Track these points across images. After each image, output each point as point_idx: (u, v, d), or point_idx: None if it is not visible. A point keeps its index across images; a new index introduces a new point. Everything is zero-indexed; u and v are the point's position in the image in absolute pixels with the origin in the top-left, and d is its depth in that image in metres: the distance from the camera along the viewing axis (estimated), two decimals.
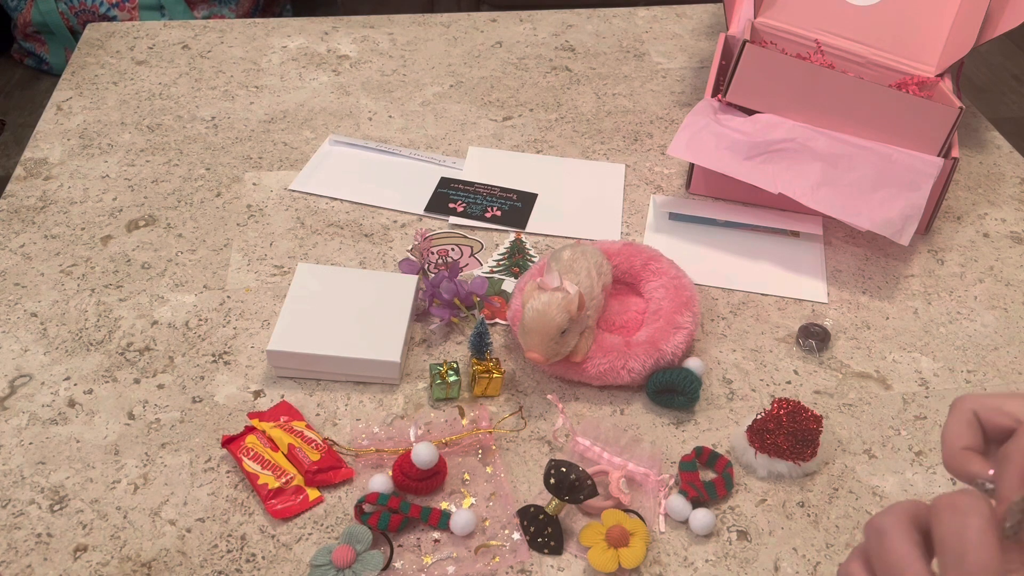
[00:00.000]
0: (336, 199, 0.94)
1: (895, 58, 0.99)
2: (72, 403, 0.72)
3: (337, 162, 0.98)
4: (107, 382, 0.74)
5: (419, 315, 0.80)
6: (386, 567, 0.61)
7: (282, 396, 0.73)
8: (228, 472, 0.67)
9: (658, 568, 0.62)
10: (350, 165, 0.98)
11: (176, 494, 0.66)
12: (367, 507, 0.64)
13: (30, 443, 0.69)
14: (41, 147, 0.99)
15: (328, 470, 0.67)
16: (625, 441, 0.69)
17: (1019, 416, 0.39)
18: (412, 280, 0.79)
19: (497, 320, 0.80)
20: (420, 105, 1.08)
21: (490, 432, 0.70)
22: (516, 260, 0.87)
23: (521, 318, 0.70)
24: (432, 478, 0.65)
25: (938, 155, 0.87)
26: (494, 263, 0.87)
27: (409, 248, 0.87)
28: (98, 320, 0.79)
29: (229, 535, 0.63)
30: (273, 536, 0.63)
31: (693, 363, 0.74)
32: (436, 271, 0.85)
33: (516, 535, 0.64)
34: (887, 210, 0.84)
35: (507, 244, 0.89)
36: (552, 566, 0.62)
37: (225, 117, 1.05)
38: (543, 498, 0.65)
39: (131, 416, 0.71)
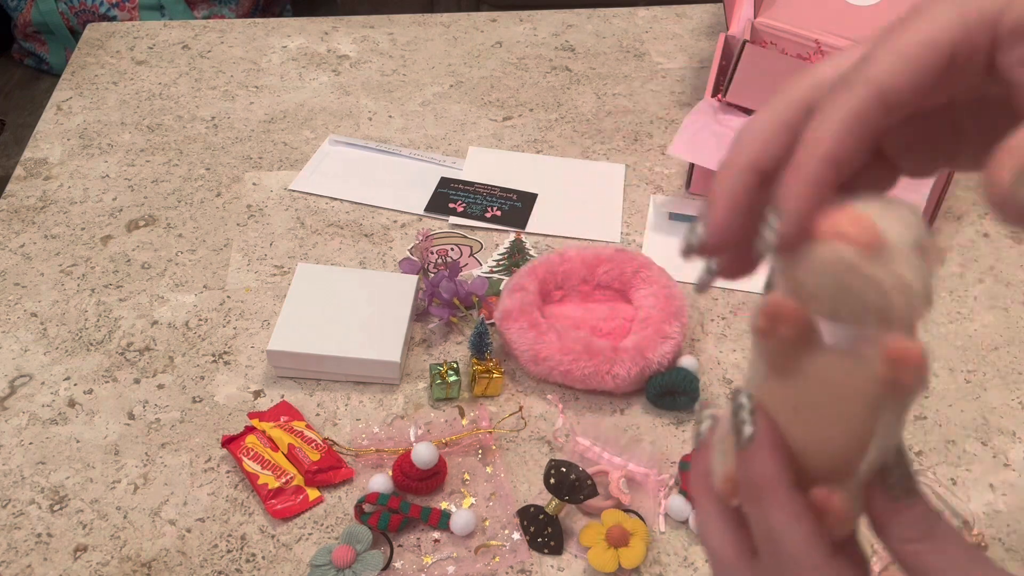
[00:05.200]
0: (336, 199, 0.94)
1: None
2: (72, 403, 0.72)
3: (337, 162, 0.98)
4: (107, 382, 0.74)
5: (419, 315, 0.80)
6: (386, 567, 0.61)
7: (282, 396, 0.73)
8: (228, 472, 0.67)
9: (658, 568, 0.62)
10: (350, 165, 0.98)
11: (176, 494, 0.66)
12: (367, 507, 0.64)
13: (30, 443, 0.69)
14: (41, 147, 0.99)
15: (328, 470, 0.67)
16: (625, 441, 0.69)
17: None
18: (412, 280, 0.79)
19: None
20: (420, 105, 1.08)
21: (490, 432, 0.70)
22: (516, 260, 0.87)
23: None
24: (432, 478, 0.65)
25: None
26: (494, 263, 0.87)
27: (410, 247, 0.87)
28: (98, 320, 0.79)
29: (229, 535, 0.63)
30: (273, 536, 0.63)
31: (687, 361, 0.74)
32: (436, 271, 0.85)
33: (516, 535, 0.64)
34: None
35: (507, 244, 0.89)
36: (552, 566, 0.62)
37: (225, 117, 1.05)
38: (543, 498, 0.65)
39: (131, 416, 0.71)
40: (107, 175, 0.96)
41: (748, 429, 0.28)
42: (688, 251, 0.29)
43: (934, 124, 0.30)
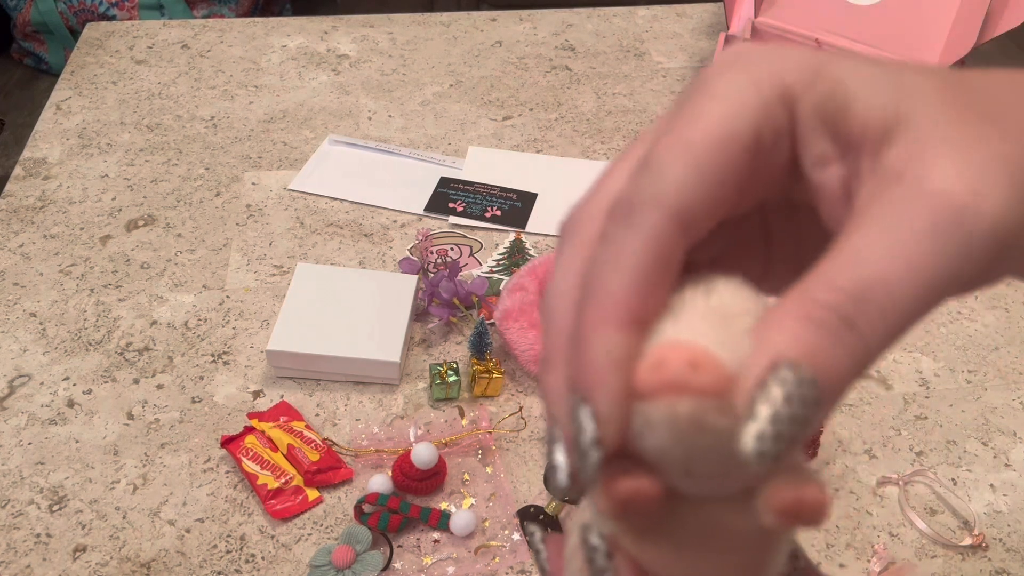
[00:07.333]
0: (336, 199, 0.93)
1: (895, 58, 0.99)
2: (71, 403, 0.72)
3: (337, 162, 0.98)
4: (106, 382, 0.74)
5: (419, 315, 0.80)
6: (386, 567, 0.61)
7: (281, 396, 0.73)
8: (227, 472, 0.67)
9: None
10: (350, 165, 0.98)
11: (175, 494, 0.66)
12: (367, 507, 0.63)
13: (29, 443, 0.69)
14: (40, 147, 0.99)
15: (328, 470, 0.67)
16: None
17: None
18: (412, 280, 0.79)
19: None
20: (420, 105, 1.08)
21: (490, 432, 0.70)
22: (516, 260, 0.87)
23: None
24: (432, 478, 0.65)
25: None
26: (494, 263, 0.87)
27: (410, 247, 0.87)
28: (97, 320, 0.79)
29: (228, 535, 0.63)
30: (273, 536, 0.63)
31: None
32: (436, 271, 0.85)
33: (516, 535, 0.63)
34: None
35: (507, 244, 0.89)
36: None
37: (224, 117, 1.04)
38: (543, 498, 0.65)
39: (130, 416, 0.71)
40: (106, 175, 0.96)
41: None
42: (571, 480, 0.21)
43: (742, 232, 0.23)
